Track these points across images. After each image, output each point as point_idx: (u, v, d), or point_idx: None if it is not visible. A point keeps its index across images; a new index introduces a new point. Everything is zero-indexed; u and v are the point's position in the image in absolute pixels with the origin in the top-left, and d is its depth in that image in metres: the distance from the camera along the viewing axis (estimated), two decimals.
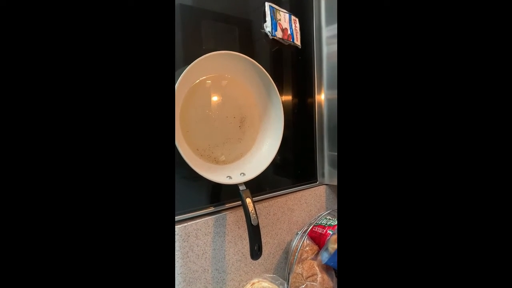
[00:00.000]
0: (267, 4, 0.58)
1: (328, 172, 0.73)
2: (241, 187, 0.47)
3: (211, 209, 0.51)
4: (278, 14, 0.60)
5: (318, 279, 0.54)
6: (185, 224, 0.47)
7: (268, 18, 0.58)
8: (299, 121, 0.68)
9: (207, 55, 0.43)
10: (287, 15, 0.62)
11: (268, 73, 0.50)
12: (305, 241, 0.60)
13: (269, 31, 0.58)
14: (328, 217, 0.65)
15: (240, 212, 0.54)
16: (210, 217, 0.50)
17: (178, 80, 0.41)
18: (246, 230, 0.47)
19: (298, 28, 0.65)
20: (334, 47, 0.70)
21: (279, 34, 0.60)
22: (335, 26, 0.69)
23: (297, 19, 0.65)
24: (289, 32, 0.62)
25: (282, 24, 0.60)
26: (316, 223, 0.64)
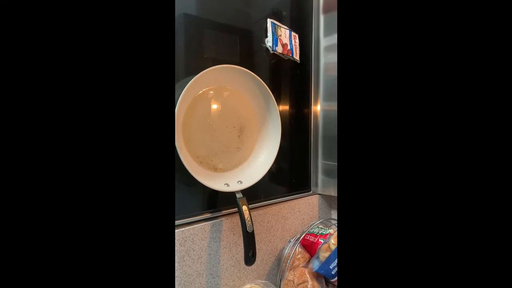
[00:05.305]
0: (269, 21, 0.61)
1: (321, 182, 0.75)
2: (238, 195, 0.49)
3: (208, 215, 0.53)
4: (279, 30, 0.63)
5: (309, 286, 0.56)
6: (183, 229, 0.48)
7: (269, 33, 0.61)
8: (295, 131, 0.70)
9: (211, 68, 0.46)
10: (287, 31, 0.65)
11: (266, 84, 0.53)
12: (297, 249, 0.62)
13: (270, 46, 0.61)
14: (320, 226, 0.67)
15: (236, 218, 0.55)
16: (206, 222, 0.51)
17: (183, 90, 0.43)
18: (241, 236, 0.49)
19: (297, 44, 0.68)
20: (331, 58, 0.73)
21: (279, 49, 0.62)
22: (334, 36, 0.72)
23: (297, 35, 0.68)
24: (289, 47, 0.65)
25: (282, 39, 0.63)
26: (308, 231, 0.66)
